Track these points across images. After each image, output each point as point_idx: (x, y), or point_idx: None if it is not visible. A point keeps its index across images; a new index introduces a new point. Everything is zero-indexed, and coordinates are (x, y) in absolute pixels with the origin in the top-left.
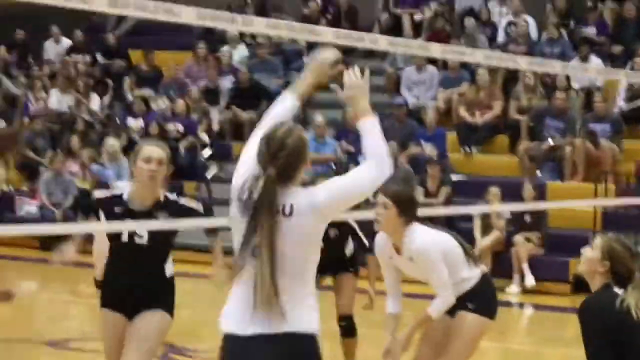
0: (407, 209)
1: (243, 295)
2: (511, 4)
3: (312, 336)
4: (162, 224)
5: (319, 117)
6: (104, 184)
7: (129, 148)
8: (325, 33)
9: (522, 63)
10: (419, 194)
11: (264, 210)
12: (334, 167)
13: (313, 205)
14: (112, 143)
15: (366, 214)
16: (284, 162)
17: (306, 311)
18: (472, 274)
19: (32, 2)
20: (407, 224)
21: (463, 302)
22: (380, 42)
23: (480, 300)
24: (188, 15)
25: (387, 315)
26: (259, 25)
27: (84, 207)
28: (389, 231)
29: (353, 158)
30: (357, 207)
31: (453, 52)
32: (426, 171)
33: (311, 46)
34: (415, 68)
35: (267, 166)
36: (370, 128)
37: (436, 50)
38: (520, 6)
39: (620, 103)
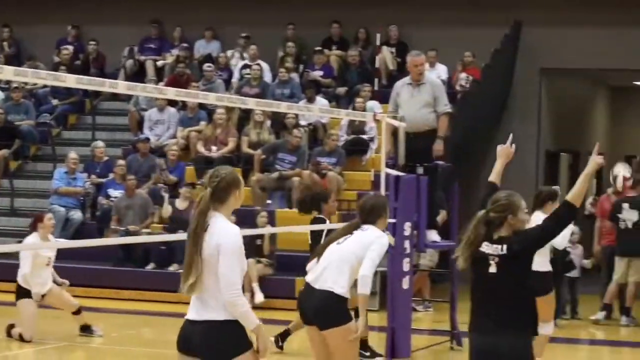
0: None
1: None
2: (247, 50)
3: None
4: None
5: (71, 154)
6: None
7: None
8: (69, 79)
9: (251, 103)
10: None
11: None
12: (82, 199)
13: None
14: None
15: None
16: None
17: None
18: None
19: None
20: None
21: None
22: (120, 86)
23: None
24: None
25: None
26: (8, 73)
27: None
28: None
29: (101, 190)
30: None
31: (188, 95)
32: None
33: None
34: (157, 109)
35: None
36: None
37: (171, 93)
38: (255, 52)
39: (343, 138)
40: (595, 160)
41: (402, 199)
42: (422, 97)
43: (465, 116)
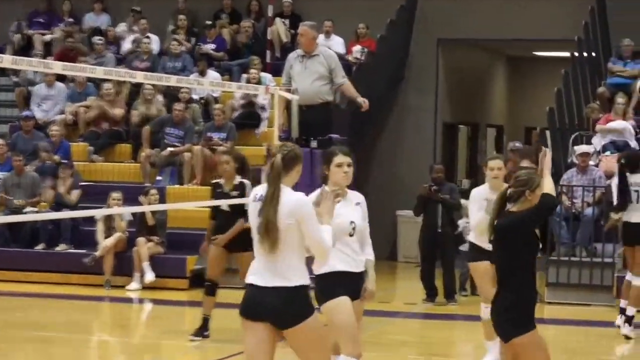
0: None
1: None
2: (138, 24)
3: None
4: None
5: None
6: None
7: None
8: None
9: (140, 77)
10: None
11: None
12: None
13: None
14: None
15: None
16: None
17: None
18: None
19: None
20: None
21: None
22: (5, 60)
23: None
24: None
25: None
26: None
27: None
28: None
29: None
30: None
31: (75, 69)
32: (58, 176)
33: None
34: (45, 84)
35: None
36: (326, 231)
37: (57, 67)
38: (145, 26)
39: (235, 112)
40: (547, 163)
41: None
42: (315, 69)
43: (361, 88)
